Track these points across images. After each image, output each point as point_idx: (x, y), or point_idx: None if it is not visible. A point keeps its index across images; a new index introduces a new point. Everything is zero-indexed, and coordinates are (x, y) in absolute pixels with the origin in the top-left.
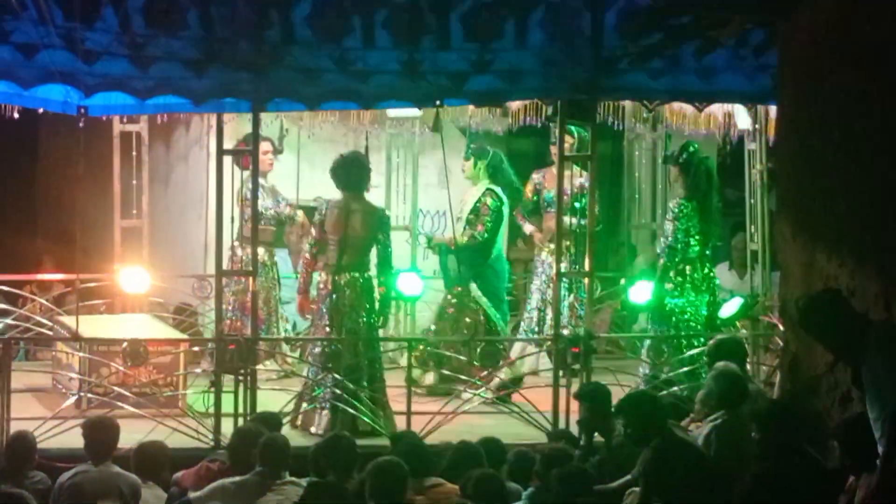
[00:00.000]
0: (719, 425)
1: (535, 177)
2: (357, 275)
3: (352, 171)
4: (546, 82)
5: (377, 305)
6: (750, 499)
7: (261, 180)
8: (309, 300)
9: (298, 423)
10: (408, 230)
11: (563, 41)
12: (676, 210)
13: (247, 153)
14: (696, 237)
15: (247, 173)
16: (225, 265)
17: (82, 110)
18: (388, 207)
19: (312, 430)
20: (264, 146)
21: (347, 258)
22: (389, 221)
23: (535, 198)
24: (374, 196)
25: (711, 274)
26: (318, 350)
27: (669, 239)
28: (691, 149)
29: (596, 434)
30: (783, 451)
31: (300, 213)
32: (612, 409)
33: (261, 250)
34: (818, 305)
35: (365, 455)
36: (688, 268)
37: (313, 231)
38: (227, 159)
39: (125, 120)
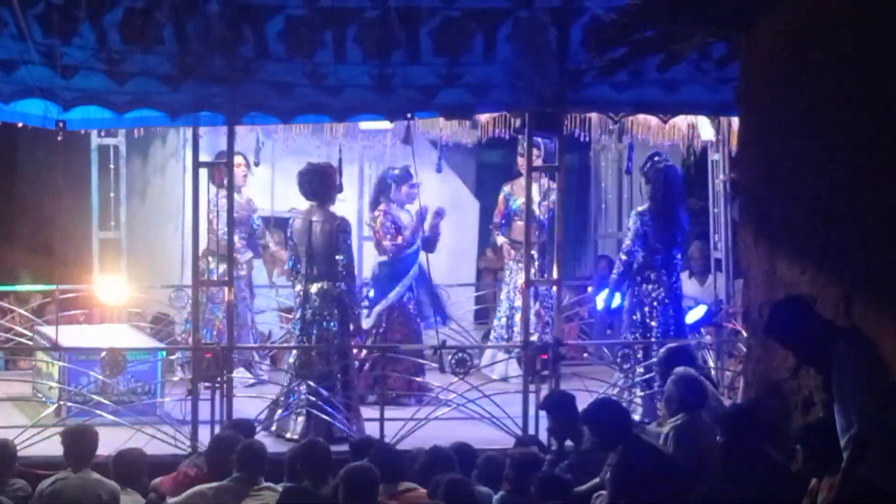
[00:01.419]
0: (679, 426)
1: (505, 188)
2: (326, 284)
3: (314, 181)
4: (514, 95)
5: (348, 313)
6: (713, 501)
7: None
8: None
9: (273, 428)
10: None
11: (530, 55)
12: (636, 218)
13: (221, 166)
14: (658, 245)
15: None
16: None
17: (61, 124)
18: (359, 219)
19: (288, 435)
20: (238, 160)
21: (316, 268)
22: (348, 231)
23: (504, 209)
24: (347, 207)
25: (674, 280)
26: (292, 358)
27: (630, 246)
28: (656, 157)
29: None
30: (746, 454)
31: (271, 238)
32: (579, 415)
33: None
34: (782, 313)
35: (339, 461)
36: (652, 275)
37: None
38: (203, 173)
39: (103, 133)
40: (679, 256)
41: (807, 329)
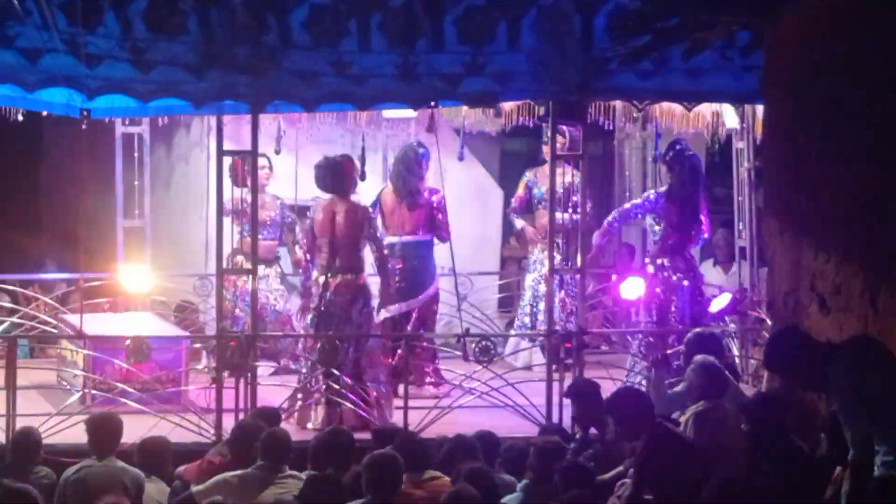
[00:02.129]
0: (699, 412)
1: (528, 174)
2: (350, 276)
3: (328, 175)
4: (538, 84)
5: (372, 302)
6: (737, 488)
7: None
8: (309, 301)
9: (294, 418)
10: None
11: (554, 43)
12: (648, 194)
13: (246, 154)
14: (670, 230)
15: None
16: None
17: (85, 113)
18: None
19: (309, 425)
20: (261, 161)
21: (339, 259)
22: (372, 216)
23: (527, 195)
24: (370, 197)
25: (693, 267)
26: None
27: (628, 209)
28: (678, 146)
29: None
30: (771, 442)
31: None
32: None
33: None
34: (778, 344)
35: (363, 449)
36: (664, 261)
37: (299, 233)
38: (227, 161)
39: (127, 122)
40: (693, 246)
41: (804, 357)
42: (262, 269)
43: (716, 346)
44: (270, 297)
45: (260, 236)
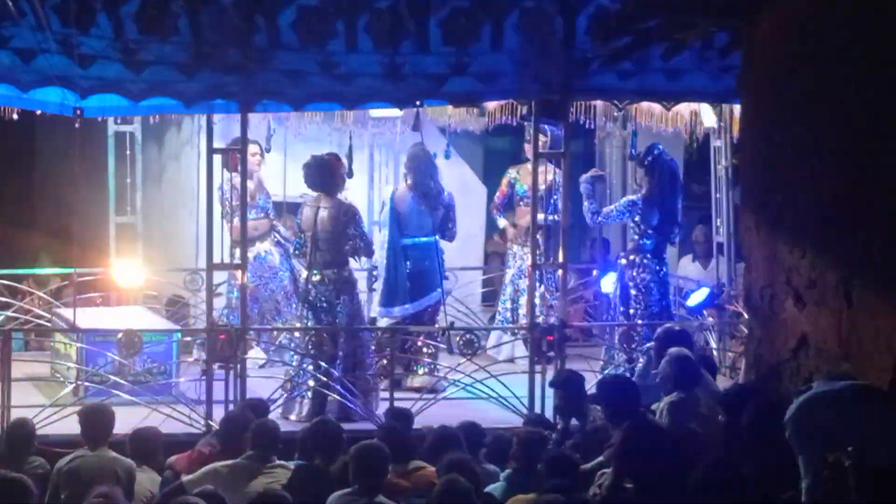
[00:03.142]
0: (673, 402)
1: (511, 172)
2: (334, 271)
3: (316, 173)
4: (521, 83)
5: (357, 298)
6: (715, 478)
7: (249, 181)
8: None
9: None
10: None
11: (536, 44)
12: (626, 203)
13: (235, 152)
14: (650, 232)
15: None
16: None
17: (78, 112)
18: (369, 204)
19: (292, 417)
20: (252, 148)
21: (321, 255)
22: (358, 215)
23: (508, 192)
24: (357, 194)
25: (661, 268)
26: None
27: (608, 212)
28: (656, 151)
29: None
30: (747, 433)
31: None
32: (587, 394)
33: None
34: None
35: (350, 440)
36: (635, 258)
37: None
38: (217, 160)
39: (119, 121)
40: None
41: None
42: (255, 248)
43: (685, 341)
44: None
45: (250, 215)
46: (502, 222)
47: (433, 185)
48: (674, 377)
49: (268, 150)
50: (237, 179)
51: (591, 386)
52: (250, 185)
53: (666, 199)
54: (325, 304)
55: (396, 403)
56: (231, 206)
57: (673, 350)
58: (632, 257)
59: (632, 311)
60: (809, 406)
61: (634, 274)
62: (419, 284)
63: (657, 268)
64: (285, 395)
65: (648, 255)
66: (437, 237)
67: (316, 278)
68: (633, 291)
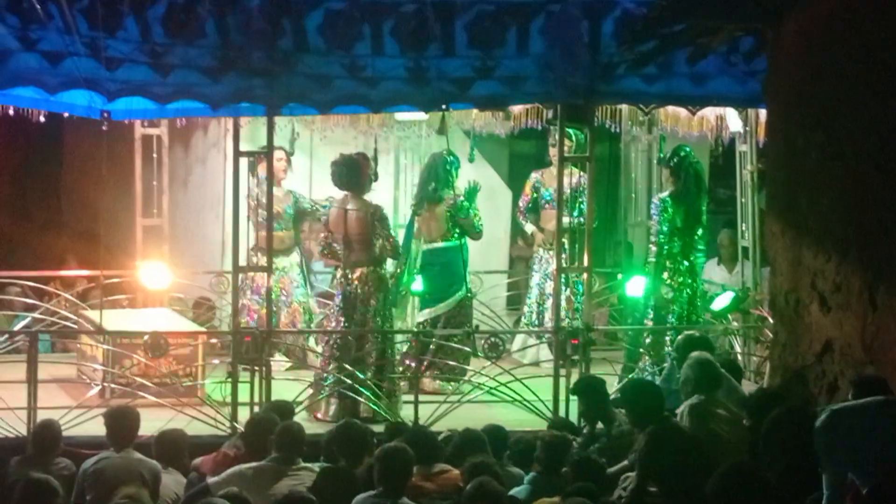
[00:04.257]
0: (694, 404)
1: (534, 176)
2: (367, 269)
3: (344, 172)
4: (546, 87)
5: (389, 298)
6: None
7: (275, 189)
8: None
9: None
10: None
11: (562, 48)
12: (659, 207)
13: (261, 155)
14: (678, 234)
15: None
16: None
17: (105, 114)
18: (395, 207)
19: (319, 416)
20: (278, 154)
21: (354, 255)
22: (385, 216)
23: (534, 196)
24: (383, 196)
25: (694, 269)
26: (330, 342)
27: (653, 235)
28: (682, 153)
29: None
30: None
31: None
32: (609, 398)
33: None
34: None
35: (377, 441)
36: (668, 263)
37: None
38: (243, 164)
39: (146, 124)
40: (700, 247)
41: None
42: (279, 261)
43: (705, 347)
44: (291, 287)
45: (276, 226)
46: (529, 227)
47: (432, 191)
48: (695, 380)
49: (291, 154)
50: (263, 186)
51: (615, 391)
52: (278, 192)
53: (692, 201)
54: (359, 303)
55: (421, 406)
56: (257, 212)
57: (695, 353)
58: (664, 261)
59: (669, 315)
60: (838, 418)
61: (665, 277)
62: (433, 289)
63: (689, 272)
64: (312, 392)
65: (678, 259)
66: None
67: (354, 275)
68: (666, 295)
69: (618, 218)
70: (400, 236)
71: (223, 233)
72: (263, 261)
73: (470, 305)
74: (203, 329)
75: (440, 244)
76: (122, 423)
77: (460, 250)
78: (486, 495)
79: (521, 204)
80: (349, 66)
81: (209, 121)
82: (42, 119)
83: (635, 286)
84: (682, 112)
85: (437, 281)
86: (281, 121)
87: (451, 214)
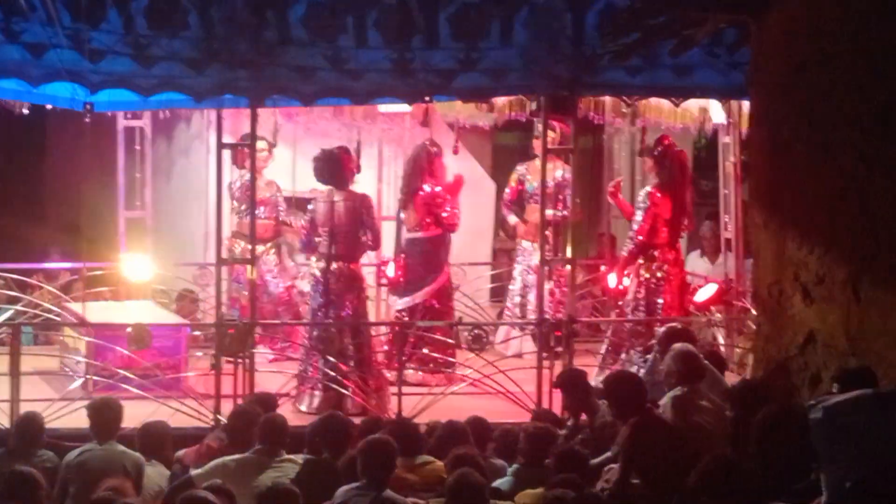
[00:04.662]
0: (676, 396)
1: (520, 168)
2: (344, 264)
3: (326, 167)
4: (530, 79)
5: (366, 292)
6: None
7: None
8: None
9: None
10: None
11: (546, 40)
12: (645, 196)
13: (244, 146)
14: (666, 225)
15: (239, 170)
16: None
17: (88, 106)
18: (379, 198)
19: (302, 407)
20: (261, 144)
21: (337, 248)
22: (372, 205)
23: (519, 188)
24: (367, 189)
25: (679, 259)
26: (312, 335)
27: (637, 226)
28: (666, 142)
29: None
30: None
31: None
32: (592, 389)
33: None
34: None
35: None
36: (655, 253)
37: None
38: (226, 155)
39: (129, 116)
40: (681, 237)
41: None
42: (259, 248)
43: (687, 339)
44: (268, 277)
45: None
46: (513, 219)
47: (413, 182)
48: (677, 372)
49: (274, 146)
50: (246, 176)
51: (597, 382)
52: (259, 181)
53: (676, 190)
54: (336, 298)
55: (405, 398)
56: (239, 201)
57: (677, 345)
58: (649, 251)
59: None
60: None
61: (652, 267)
62: (411, 278)
63: (673, 259)
64: (297, 388)
65: (665, 249)
66: (432, 232)
67: (332, 268)
68: (652, 286)
69: (601, 210)
70: (387, 228)
71: (206, 225)
72: (240, 248)
73: (450, 295)
74: (186, 321)
75: (420, 234)
76: (105, 416)
77: (441, 241)
78: (467, 487)
79: (506, 197)
80: (332, 58)
81: (192, 113)
82: (25, 111)
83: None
84: (666, 104)
85: (412, 271)
86: (263, 112)
87: (426, 204)
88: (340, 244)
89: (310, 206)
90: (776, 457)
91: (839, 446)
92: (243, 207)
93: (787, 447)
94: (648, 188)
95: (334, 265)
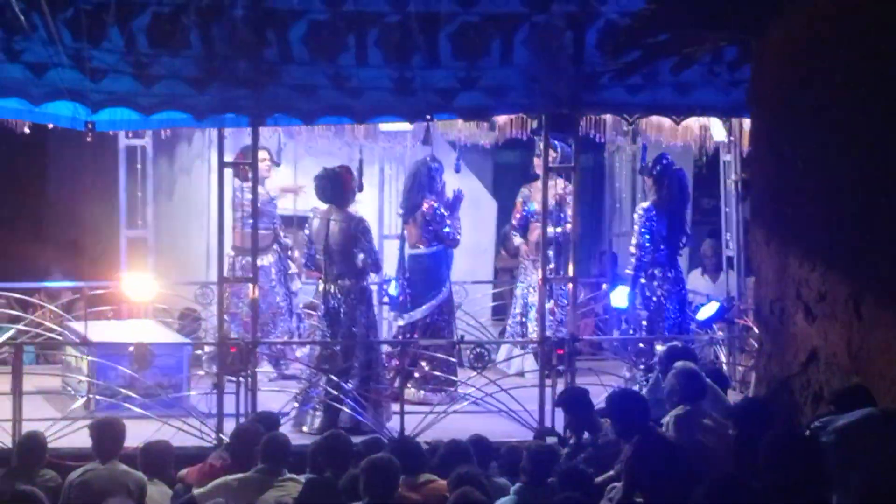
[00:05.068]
0: (679, 414)
1: (524, 190)
2: (349, 282)
3: (327, 187)
4: (531, 98)
5: (372, 310)
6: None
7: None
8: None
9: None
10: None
11: (546, 59)
12: (643, 216)
13: (246, 165)
14: (664, 242)
15: (240, 182)
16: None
17: (89, 125)
18: (380, 218)
19: (304, 429)
20: (262, 154)
21: (335, 267)
22: (368, 229)
23: (524, 210)
24: (368, 207)
25: (679, 277)
26: (315, 353)
27: (637, 244)
28: (665, 161)
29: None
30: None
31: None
32: (594, 407)
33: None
34: None
35: (360, 452)
36: (656, 272)
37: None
38: (228, 172)
39: (130, 135)
40: (679, 255)
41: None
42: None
43: (688, 357)
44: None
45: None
46: (517, 240)
47: (413, 198)
48: (680, 390)
49: (277, 165)
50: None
51: (600, 400)
52: (262, 190)
53: (675, 208)
54: (342, 315)
55: (407, 417)
56: (243, 211)
57: (679, 364)
58: (651, 270)
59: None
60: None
61: (654, 286)
62: (413, 294)
63: (673, 277)
64: (297, 407)
65: (666, 267)
66: (434, 248)
67: (333, 289)
68: (652, 307)
69: (603, 228)
70: (385, 248)
71: (208, 244)
72: (240, 261)
73: (451, 311)
74: (188, 340)
75: (422, 250)
76: (107, 435)
77: (443, 256)
78: None
79: (514, 222)
80: (333, 77)
81: (193, 131)
82: (26, 130)
83: (618, 296)
84: (667, 122)
85: (414, 288)
86: (266, 131)
87: (427, 221)
88: (338, 262)
89: (307, 223)
90: (784, 478)
91: (852, 468)
92: (246, 216)
93: (796, 469)
94: (643, 204)
95: (337, 283)
